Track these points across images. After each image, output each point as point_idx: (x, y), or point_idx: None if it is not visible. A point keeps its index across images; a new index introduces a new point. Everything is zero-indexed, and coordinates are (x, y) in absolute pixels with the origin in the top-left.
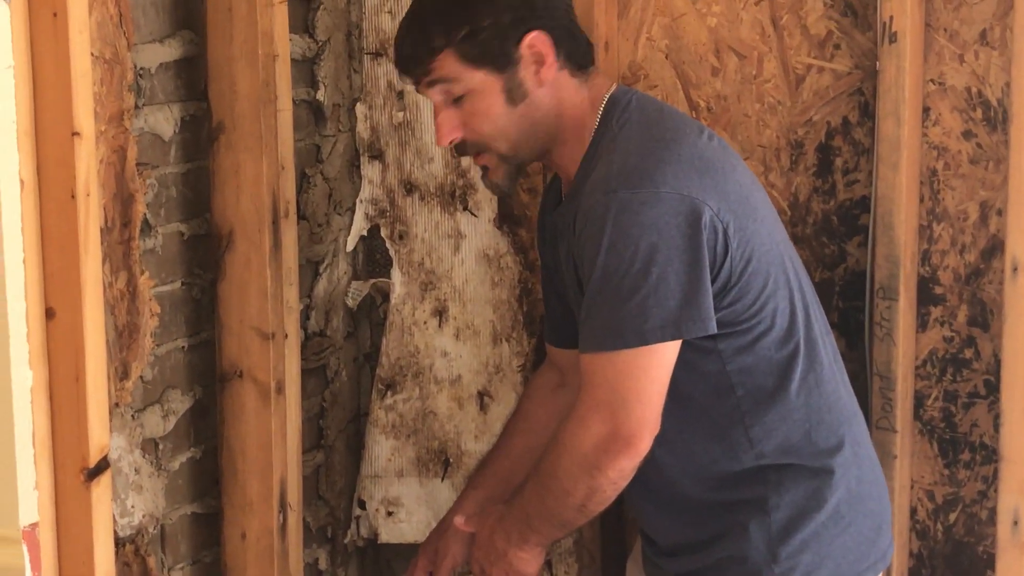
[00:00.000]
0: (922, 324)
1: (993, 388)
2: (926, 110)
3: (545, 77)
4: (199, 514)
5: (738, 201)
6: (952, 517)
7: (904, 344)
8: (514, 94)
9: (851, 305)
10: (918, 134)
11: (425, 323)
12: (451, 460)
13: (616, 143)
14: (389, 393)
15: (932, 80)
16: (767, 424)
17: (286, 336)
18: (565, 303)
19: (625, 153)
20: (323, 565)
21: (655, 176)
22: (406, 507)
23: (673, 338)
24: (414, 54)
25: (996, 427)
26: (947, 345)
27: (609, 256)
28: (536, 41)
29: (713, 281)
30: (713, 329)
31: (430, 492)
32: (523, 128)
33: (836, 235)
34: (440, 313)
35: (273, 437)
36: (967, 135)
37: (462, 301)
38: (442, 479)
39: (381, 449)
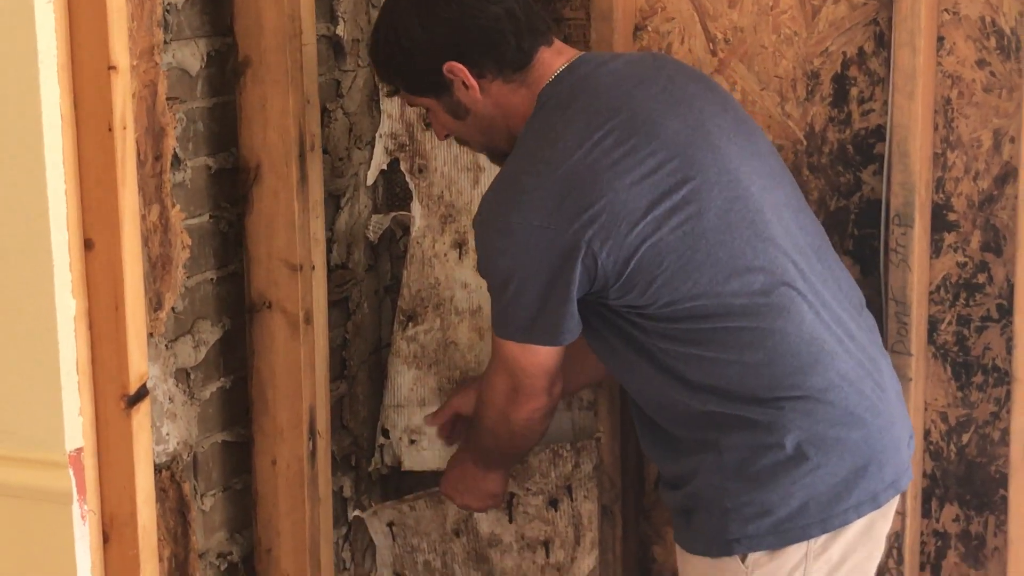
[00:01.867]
0: (936, 250)
1: (1006, 312)
2: (940, 39)
3: (476, 95)
4: (230, 442)
5: (620, 208)
6: (965, 438)
7: (919, 270)
8: (457, 111)
9: (866, 232)
10: (933, 63)
11: (445, 255)
12: None
13: (513, 155)
14: (410, 324)
15: (946, 10)
16: (705, 378)
17: (313, 268)
18: None
19: (504, 171)
20: (347, 493)
21: (514, 203)
22: (428, 435)
23: (528, 343)
24: (377, 75)
25: (1009, 350)
26: (960, 270)
27: (480, 266)
28: (452, 69)
29: (590, 287)
30: (564, 341)
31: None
32: (480, 132)
33: (852, 164)
34: (460, 245)
35: (302, 366)
36: (981, 64)
37: None
38: None
39: (404, 379)
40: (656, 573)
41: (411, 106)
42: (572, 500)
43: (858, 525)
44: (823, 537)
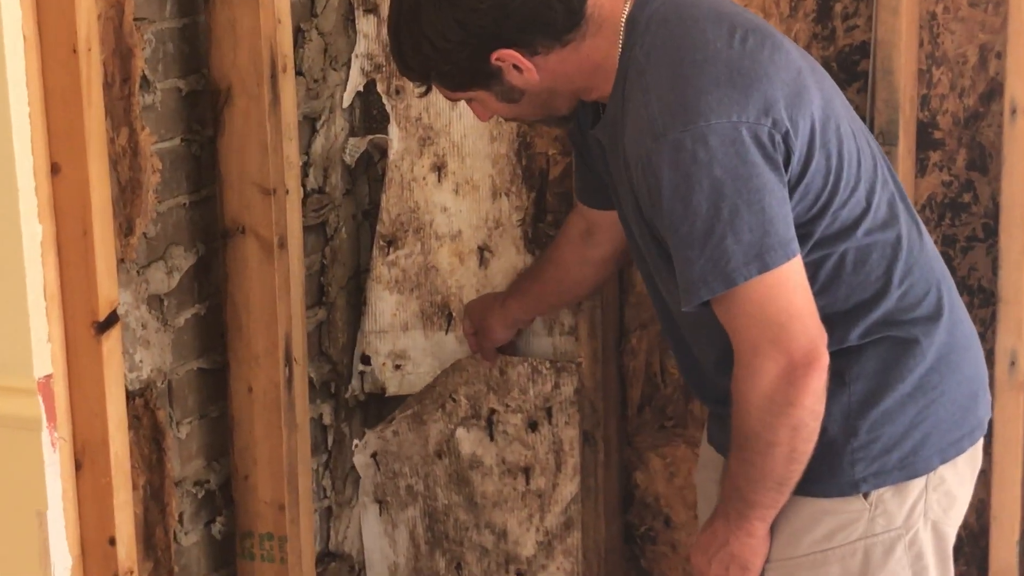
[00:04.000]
0: (921, 169)
1: (991, 231)
2: None
3: (531, 76)
4: (205, 369)
5: (789, 99)
6: None
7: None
8: (509, 96)
9: None
10: None
11: (424, 179)
12: (454, 314)
13: (646, 75)
14: (391, 249)
15: None
16: (841, 298)
17: (287, 191)
18: (597, 178)
19: (660, 88)
20: (327, 420)
21: (699, 107)
22: (413, 359)
23: (760, 272)
24: (408, 78)
25: (994, 270)
26: (946, 189)
27: (675, 203)
28: (502, 57)
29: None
30: (797, 251)
31: (436, 344)
32: (538, 107)
33: (836, 81)
34: (439, 168)
35: (277, 291)
36: None
37: (460, 156)
38: (446, 332)
39: (385, 304)
40: (639, 500)
41: (452, 101)
42: (552, 425)
43: (967, 453)
44: (941, 467)
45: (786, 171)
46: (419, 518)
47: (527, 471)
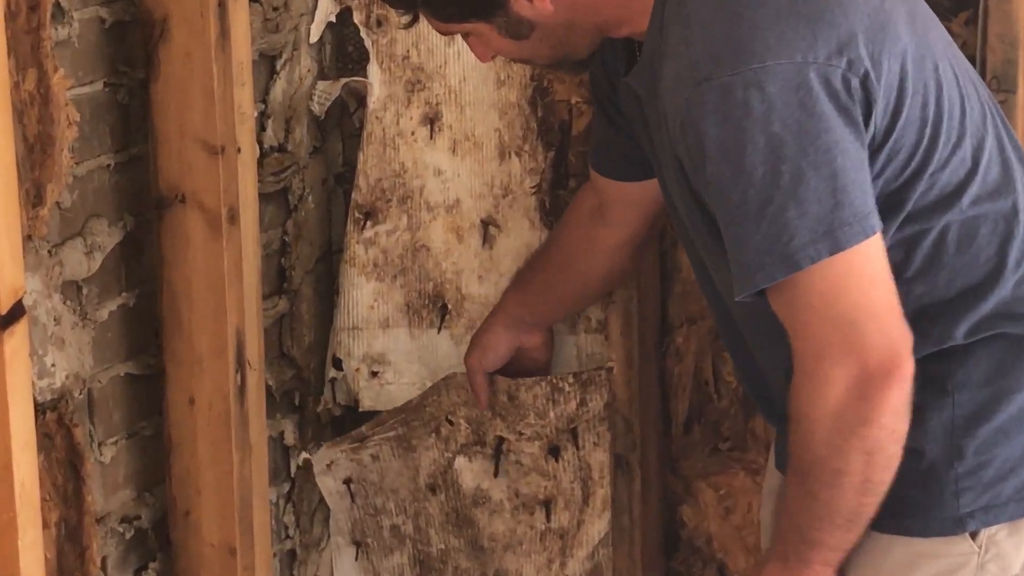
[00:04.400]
0: None
1: None
2: None
3: (544, 6)
4: (135, 375)
5: (871, 33)
6: None
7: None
8: (517, 30)
9: None
10: None
11: (413, 134)
12: (449, 306)
13: (688, 4)
14: (369, 223)
15: None
16: (955, 295)
17: (239, 150)
18: (623, 141)
19: (704, 22)
20: (290, 439)
21: (754, 46)
22: (394, 365)
23: (831, 253)
24: (391, 4)
25: None
26: None
27: (723, 166)
28: None
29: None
30: (876, 227)
31: (424, 346)
32: (552, 46)
33: (936, 10)
34: (431, 121)
35: (226, 277)
36: None
37: (459, 105)
38: (439, 330)
39: (361, 294)
40: (686, 542)
41: (445, 35)
42: (578, 448)
43: None
44: None
45: (867, 125)
46: (408, 566)
47: (546, 505)
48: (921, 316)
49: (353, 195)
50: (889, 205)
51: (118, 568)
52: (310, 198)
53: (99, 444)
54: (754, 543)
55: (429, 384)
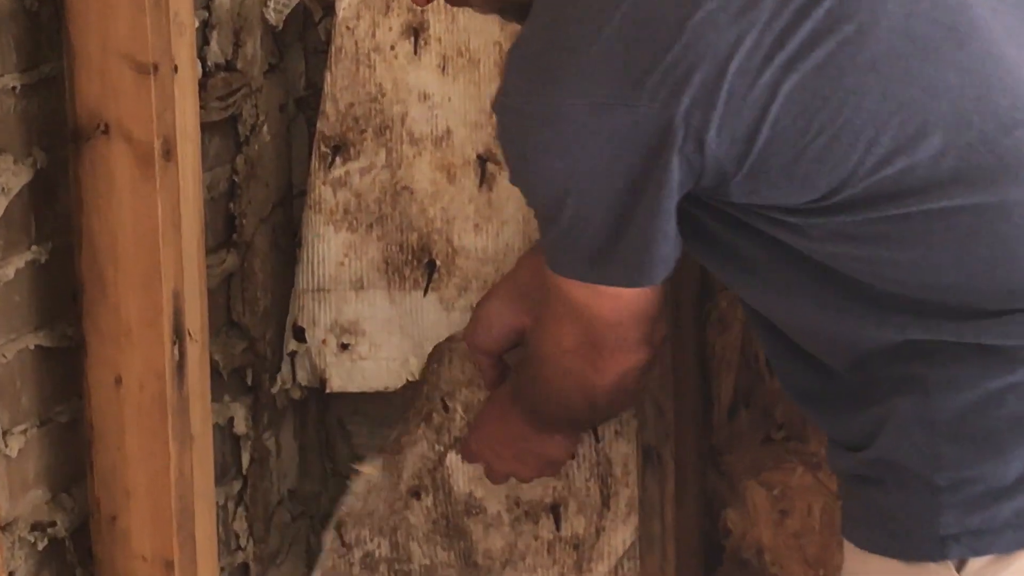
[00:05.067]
0: None
1: None
2: None
3: None
4: (48, 348)
5: (724, 50)
6: None
7: None
8: None
9: None
10: None
11: (392, 48)
12: (438, 263)
13: None
14: (338, 160)
15: None
16: (905, 289)
17: (175, 69)
18: None
19: (531, 23)
20: (241, 427)
21: (555, 77)
22: (369, 336)
23: (601, 283)
24: None
25: None
26: None
27: (515, 176)
28: None
29: (693, 186)
30: (656, 278)
31: (407, 312)
32: None
33: None
34: (415, 32)
35: (161, 227)
36: None
37: (449, 13)
38: (425, 292)
39: (328, 248)
40: (731, 553)
41: None
42: (596, 439)
43: None
44: None
45: (701, 169)
46: None
47: (555, 510)
48: (900, 309)
49: (318, 124)
50: (867, 195)
51: None
52: (265, 128)
53: (4, 433)
54: (814, 554)
55: (413, 360)
